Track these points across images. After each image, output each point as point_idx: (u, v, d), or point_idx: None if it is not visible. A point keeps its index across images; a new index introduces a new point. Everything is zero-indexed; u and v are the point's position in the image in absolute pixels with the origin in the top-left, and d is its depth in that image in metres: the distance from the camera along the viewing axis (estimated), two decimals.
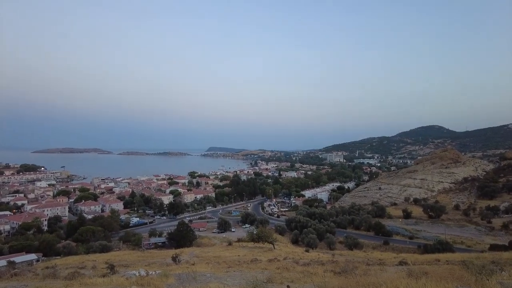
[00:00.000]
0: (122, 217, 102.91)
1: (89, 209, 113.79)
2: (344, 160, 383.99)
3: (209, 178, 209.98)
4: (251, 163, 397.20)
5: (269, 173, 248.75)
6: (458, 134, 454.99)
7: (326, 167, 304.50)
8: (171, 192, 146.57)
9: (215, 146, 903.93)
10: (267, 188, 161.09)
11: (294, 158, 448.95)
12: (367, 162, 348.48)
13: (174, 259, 27.07)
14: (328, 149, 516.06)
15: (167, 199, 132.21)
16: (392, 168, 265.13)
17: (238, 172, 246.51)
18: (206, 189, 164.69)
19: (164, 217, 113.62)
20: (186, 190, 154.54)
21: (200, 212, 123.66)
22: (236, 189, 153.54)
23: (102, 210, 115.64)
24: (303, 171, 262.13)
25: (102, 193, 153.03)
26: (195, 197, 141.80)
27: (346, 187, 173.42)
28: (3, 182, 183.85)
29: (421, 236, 70.43)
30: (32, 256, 50.54)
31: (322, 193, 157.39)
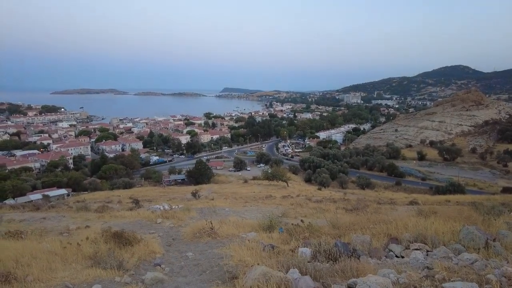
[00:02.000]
0: (142, 155, 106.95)
1: (110, 148, 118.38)
2: (362, 101, 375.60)
3: (224, 119, 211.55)
4: (265, 105, 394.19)
5: (284, 115, 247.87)
6: (484, 74, 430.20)
7: (342, 108, 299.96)
8: (188, 132, 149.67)
9: (230, 87, 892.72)
10: (281, 129, 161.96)
11: (310, 100, 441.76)
12: (385, 104, 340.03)
13: (194, 194, 28.67)
14: (346, 90, 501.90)
15: (184, 139, 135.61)
16: (411, 110, 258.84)
17: (253, 113, 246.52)
18: (221, 130, 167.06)
19: (182, 156, 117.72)
20: (202, 131, 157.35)
21: (216, 152, 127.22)
22: (251, 130, 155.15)
23: (123, 149, 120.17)
24: (319, 113, 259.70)
25: (121, 133, 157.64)
26: (211, 137, 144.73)
27: (362, 129, 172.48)
28: (28, 123, 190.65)
29: (433, 178, 71.27)
30: (63, 191, 54.33)
31: (337, 134, 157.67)
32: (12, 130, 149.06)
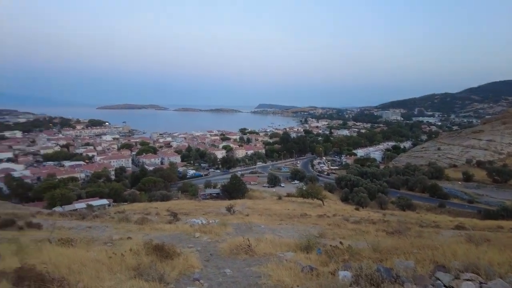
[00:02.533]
0: (180, 169, 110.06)
1: (150, 162, 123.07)
2: (402, 118, 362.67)
3: (259, 134, 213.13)
4: (300, 121, 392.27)
5: (320, 131, 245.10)
6: None
7: (381, 125, 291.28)
8: (224, 147, 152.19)
9: (265, 103, 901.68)
10: (317, 146, 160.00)
11: (346, 116, 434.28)
12: (427, 121, 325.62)
13: (229, 209, 28.88)
14: (385, 106, 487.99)
15: (220, 154, 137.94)
16: (455, 127, 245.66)
17: (287, 129, 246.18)
18: (256, 145, 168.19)
19: (218, 170, 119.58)
20: (237, 146, 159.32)
21: (251, 167, 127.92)
22: (285, 146, 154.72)
23: (162, 163, 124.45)
24: (356, 129, 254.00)
25: (161, 147, 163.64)
26: (246, 152, 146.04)
27: (402, 147, 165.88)
28: (76, 136, 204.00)
29: (482, 201, 66.36)
30: (105, 201, 57.06)
31: (375, 152, 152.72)
32: (63, 142, 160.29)
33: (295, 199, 56.27)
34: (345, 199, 67.83)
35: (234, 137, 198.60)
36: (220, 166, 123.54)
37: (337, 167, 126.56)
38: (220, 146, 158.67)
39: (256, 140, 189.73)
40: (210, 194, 74.55)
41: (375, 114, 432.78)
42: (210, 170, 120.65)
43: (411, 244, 8.02)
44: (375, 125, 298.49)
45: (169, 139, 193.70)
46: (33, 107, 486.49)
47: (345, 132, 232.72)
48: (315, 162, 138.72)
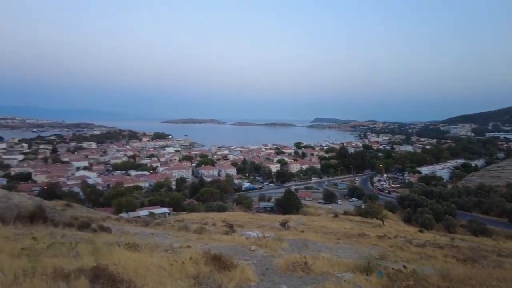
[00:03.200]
0: (235, 181, 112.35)
1: (208, 173, 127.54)
2: (472, 134, 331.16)
3: (315, 149, 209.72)
4: (359, 135, 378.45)
5: (380, 146, 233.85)
6: None
7: (448, 141, 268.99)
8: (278, 161, 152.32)
9: (321, 117, 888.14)
10: (377, 162, 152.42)
11: (410, 131, 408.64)
12: (504, 137, 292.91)
13: (283, 224, 28.65)
14: (452, 121, 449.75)
15: (274, 168, 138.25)
16: None
17: (345, 144, 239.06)
18: (311, 160, 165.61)
19: (272, 184, 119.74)
20: (292, 160, 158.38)
21: (305, 182, 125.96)
22: (342, 161, 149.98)
23: (219, 174, 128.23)
24: (420, 145, 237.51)
25: (219, 159, 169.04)
26: (301, 167, 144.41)
27: (473, 165, 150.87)
28: (142, 147, 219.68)
29: None
30: (165, 210, 60.02)
31: (442, 170, 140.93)
32: (130, 153, 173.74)
33: (353, 217, 53.90)
34: (407, 220, 63.29)
35: (289, 151, 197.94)
36: (274, 180, 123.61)
37: (399, 185, 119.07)
38: (275, 160, 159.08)
39: (312, 154, 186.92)
40: (264, 207, 74.70)
41: (442, 129, 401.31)
42: (264, 183, 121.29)
43: (489, 275, 7.19)
44: (442, 141, 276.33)
45: (226, 152, 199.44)
46: (106, 120, 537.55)
47: (408, 148, 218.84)
48: (375, 179, 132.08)
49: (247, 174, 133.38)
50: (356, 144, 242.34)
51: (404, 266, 9.24)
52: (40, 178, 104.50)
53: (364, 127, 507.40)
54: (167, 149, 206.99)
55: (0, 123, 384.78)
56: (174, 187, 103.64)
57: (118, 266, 6.55)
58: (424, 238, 32.20)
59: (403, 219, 64.60)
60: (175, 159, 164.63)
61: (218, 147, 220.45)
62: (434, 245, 22.81)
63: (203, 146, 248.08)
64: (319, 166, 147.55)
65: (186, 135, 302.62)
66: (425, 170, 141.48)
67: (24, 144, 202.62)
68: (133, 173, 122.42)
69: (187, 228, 18.46)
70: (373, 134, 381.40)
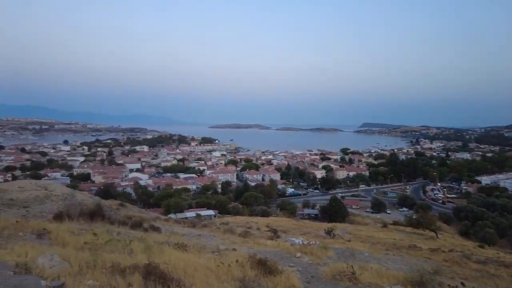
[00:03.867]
0: (279, 186, 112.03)
1: (252, 178, 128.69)
2: None
3: (363, 155, 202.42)
4: (411, 141, 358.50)
5: (434, 153, 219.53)
6: None
7: None
8: (324, 167, 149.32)
9: (369, 122, 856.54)
10: (430, 170, 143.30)
11: (467, 137, 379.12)
12: None
13: (329, 232, 27.99)
14: None
15: (319, 174, 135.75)
16: None
17: (395, 150, 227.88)
18: (359, 166, 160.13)
19: (317, 191, 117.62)
20: (338, 166, 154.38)
21: (352, 189, 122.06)
22: (392, 168, 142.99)
23: (263, 179, 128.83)
24: (480, 153, 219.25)
25: (263, 164, 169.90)
26: (347, 174, 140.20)
27: None
28: (190, 151, 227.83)
29: None
30: (211, 212, 61.55)
31: (506, 180, 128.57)
32: (179, 157, 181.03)
33: (403, 228, 51.06)
34: (464, 233, 58.60)
35: (335, 157, 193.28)
36: (319, 186, 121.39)
37: (455, 196, 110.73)
38: (320, 165, 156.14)
39: (359, 161, 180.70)
40: (309, 214, 73.58)
41: (506, 135, 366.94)
42: (308, 189, 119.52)
43: None
44: (506, 148, 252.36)
45: (270, 157, 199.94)
46: (157, 125, 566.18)
47: (466, 156, 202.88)
48: (428, 188, 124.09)
49: (291, 180, 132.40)
50: (407, 151, 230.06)
51: (463, 284, 8.59)
52: (98, 179, 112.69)
53: (416, 133, 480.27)
54: (214, 153, 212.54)
55: (65, 127, 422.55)
56: (219, 190, 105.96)
57: (168, 265, 6.86)
58: (485, 254, 29.55)
59: (460, 232, 59.95)
60: (221, 163, 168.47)
61: (263, 152, 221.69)
62: (498, 262, 20.81)
63: (248, 150, 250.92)
64: (367, 173, 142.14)
65: (232, 140, 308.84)
66: (485, 179, 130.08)
67: (85, 147, 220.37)
68: (181, 175, 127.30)
69: (232, 231, 18.78)
70: (426, 140, 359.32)
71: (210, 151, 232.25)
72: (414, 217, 50.92)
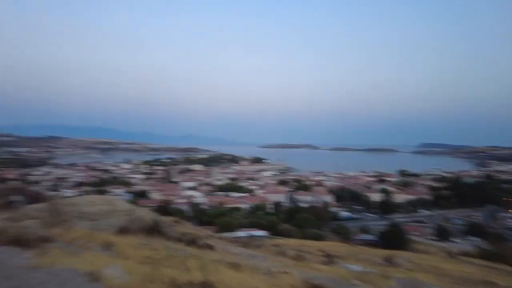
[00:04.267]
0: (332, 209, 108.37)
1: (304, 199, 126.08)
2: None
3: (423, 178, 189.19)
4: (478, 163, 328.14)
5: (506, 177, 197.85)
6: None
7: None
8: (380, 190, 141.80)
9: (429, 142, 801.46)
10: (502, 195, 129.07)
11: None
12: None
13: (388, 260, 26.07)
14: None
15: (376, 197, 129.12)
16: None
17: (460, 173, 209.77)
18: (419, 190, 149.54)
19: (373, 215, 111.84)
20: (396, 189, 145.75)
21: (412, 214, 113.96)
22: (458, 193, 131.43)
23: (315, 201, 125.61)
24: None
25: (314, 185, 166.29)
26: (407, 197, 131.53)
27: None
28: (241, 171, 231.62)
29: None
30: (262, 233, 61.15)
31: None
32: (231, 176, 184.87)
33: (473, 260, 45.95)
34: None
35: (392, 179, 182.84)
36: (375, 210, 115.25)
37: None
38: (376, 188, 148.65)
39: (420, 184, 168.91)
40: (365, 239, 69.67)
41: None
42: (364, 213, 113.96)
43: None
44: None
45: (322, 177, 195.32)
46: (211, 145, 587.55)
47: None
48: (501, 215, 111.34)
49: (345, 203, 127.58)
50: (473, 174, 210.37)
51: None
52: (156, 196, 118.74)
53: (484, 154, 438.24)
54: (264, 173, 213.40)
55: (127, 147, 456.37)
56: (270, 210, 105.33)
57: (223, 283, 6.87)
58: None
59: None
60: (271, 183, 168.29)
61: (314, 172, 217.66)
62: None
63: (299, 171, 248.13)
64: (429, 197, 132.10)
65: (282, 160, 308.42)
66: None
67: (144, 166, 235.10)
68: (233, 194, 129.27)
69: (284, 254, 18.39)
70: (496, 161, 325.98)
71: (260, 171, 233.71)
72: (487, 248, 45.63)
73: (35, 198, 13.72)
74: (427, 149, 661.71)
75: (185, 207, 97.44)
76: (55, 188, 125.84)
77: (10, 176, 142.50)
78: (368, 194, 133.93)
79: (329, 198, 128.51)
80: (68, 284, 4.99)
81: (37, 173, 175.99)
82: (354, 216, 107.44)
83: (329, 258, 17.48)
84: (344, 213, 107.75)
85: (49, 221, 10.05)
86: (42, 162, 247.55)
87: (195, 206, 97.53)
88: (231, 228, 63.40)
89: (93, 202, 13.48)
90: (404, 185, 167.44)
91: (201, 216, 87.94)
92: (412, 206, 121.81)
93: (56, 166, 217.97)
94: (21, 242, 6.80)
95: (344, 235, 71.99)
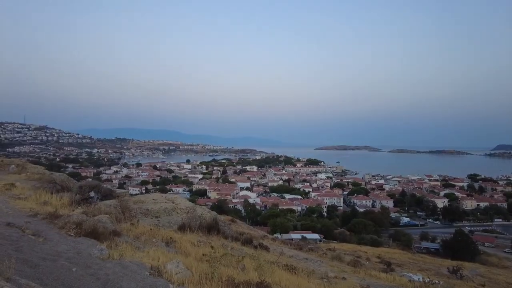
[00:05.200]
0: (392, 215, 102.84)
1: (361, 203, 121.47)
2: None
3: (498, 183, 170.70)
4: None
5: None
6: None
7: None
8: (446, 195, 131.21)
9: (506, 144, 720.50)
10: None
11: None
12: None
13: (454, 271, 24.04)
14: None
15: (441, 203, 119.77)
16: None
17: None
18: (493, 196, 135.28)
19: (437, 222, 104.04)
20: (465, 195, 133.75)
21: (484, 223, 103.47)
22: None
23: (373, 206, 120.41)
24: None
25: (373, 189, 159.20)
26: (478, 204, 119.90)
27: None
28: (295, 172, 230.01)
29: None
30: (317, 236, 60.15)
31: None
32: (285, 177, 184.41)
33: None
34: None
35: (461, 184, 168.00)
36: (440, 217, 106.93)
37: None
38: (442, 193, 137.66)
39: (494, 189, 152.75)
40: (427, 248, 65.07)
41: None
42: (427, 220, 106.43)
43: None
44: None
45: (381, 181, 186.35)
46: (266, 147, 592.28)
47: None
48: None
49: (406, 208, 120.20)
50: None
51: None
52: (213, 195, 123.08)
53: None
54: (319, 175, 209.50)
55: (188, 148, 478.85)
56: (325, 214, 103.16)
57: (279, 285, 6.89)
58: None
59: None
60: (326, 186, 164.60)
61: (373, 175, 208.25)
62: None
63: (356, 174, 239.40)
64: (505, 205, 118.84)
65: (338, 162, 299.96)
66: None
67: (203, 166, 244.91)
68: (287, 196, 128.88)
69: (341, 259, 17.87)
70: None
71: (315, 173, 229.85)
72: None
73: (107, 194, 15.07)
74: (504, 151, 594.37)
75: (240, 207, 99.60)
76: (123, 185, 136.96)
77: (87, 174, 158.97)
78: (433, 199, 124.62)
79: (389, 203, 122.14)
80: (135, 276, 5.41)
81: (108, 171, 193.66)
82: (416, 222, 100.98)
83: (388, 266, 16.60)
84: (405, 219, 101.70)
85: (118, 217, 11.00)
86: (112, 162, 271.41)
87: (249, 206, 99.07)
88: (285, 230, 63.24)
89: (156, 200, 14.39)
90: (474, 191, 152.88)
91: (255, 216, 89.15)
92: (484, 213, 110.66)
93: (124, 165, 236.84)
94: (95, 234, 7.53)
95: (404, 242, 67.92)
